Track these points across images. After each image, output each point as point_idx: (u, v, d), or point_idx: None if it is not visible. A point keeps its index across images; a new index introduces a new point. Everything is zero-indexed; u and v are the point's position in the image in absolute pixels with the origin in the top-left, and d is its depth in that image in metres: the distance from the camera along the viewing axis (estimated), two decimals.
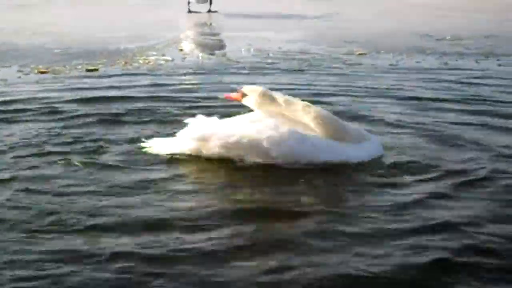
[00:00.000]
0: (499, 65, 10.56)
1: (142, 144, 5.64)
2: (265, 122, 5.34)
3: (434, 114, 7.00)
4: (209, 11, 18.01)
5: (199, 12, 17.88)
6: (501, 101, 7.68)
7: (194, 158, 5.37)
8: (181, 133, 5.51)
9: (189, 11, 18.01)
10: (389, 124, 6.51)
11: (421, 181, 4.97)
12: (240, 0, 20.18)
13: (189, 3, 17.99)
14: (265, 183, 4.95)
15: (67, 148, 5.59)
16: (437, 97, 7.89)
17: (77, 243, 3.86)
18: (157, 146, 5.59)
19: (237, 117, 5.56)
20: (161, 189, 4.74)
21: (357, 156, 5.33)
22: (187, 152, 5.43)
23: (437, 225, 4.16)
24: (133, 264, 3.62)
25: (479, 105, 7.51)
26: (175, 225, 4.14)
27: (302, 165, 5.22)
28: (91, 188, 4.73)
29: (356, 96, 7.96)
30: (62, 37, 13.30)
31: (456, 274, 3.58)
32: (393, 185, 4.88)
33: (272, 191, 4.83)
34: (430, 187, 4.82)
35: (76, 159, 5.29)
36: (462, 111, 7.21)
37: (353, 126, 5.60)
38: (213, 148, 5.32)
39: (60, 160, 5.29)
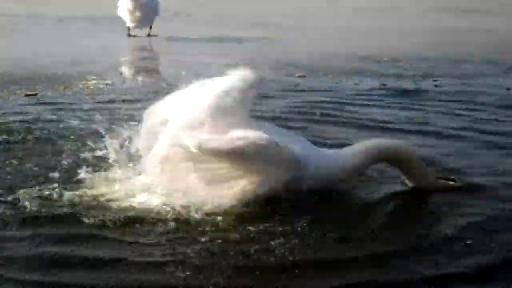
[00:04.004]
0: (436, 85, 10.81)
1: None
2: None
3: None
4: (149, 35, 17.95)
5: (139, 36, 17.81)
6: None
7: None
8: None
9: (129, 35, 17.93)
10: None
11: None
12: (179, 25, 20.20)
13: (128, 28, 17.91)
14: None
15: None
16: (376, 118, 8.10)
17: None
18: None
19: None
20: None
21: None
22: None
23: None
24: None
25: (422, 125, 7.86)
26: None
27: None
28: None
29: (294, 119, 8.17)
30: None
31: None
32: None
33: None
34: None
35: None
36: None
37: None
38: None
39: None
